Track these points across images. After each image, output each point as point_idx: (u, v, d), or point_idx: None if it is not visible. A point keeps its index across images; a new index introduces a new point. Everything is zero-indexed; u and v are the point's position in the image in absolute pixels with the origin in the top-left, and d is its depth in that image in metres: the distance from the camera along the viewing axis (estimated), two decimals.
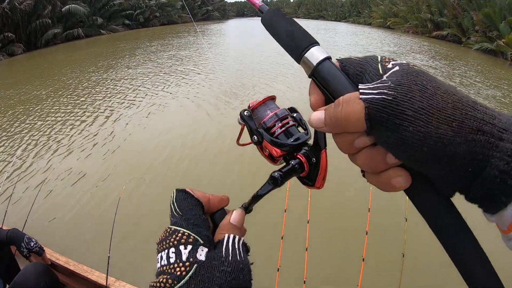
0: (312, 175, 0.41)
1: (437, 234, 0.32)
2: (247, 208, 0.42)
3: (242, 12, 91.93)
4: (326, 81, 0.35)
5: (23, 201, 4.41)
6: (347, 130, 0.32)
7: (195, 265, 0.33)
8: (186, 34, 26.49)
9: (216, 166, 5.44)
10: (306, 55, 0.37)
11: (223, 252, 0.35)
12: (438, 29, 27.06)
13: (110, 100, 9.09)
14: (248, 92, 9.47)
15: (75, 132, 6.93)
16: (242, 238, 0.38)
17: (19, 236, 2.13)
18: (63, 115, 8.06)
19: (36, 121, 7.68)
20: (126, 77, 11.75)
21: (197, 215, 0.38)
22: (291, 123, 0.44)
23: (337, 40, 24.47)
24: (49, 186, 4.83)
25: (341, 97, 0.32)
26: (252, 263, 0.37)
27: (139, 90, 10.02)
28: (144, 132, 6.91)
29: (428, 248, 3.28)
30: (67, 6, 21.93)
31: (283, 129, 0.43)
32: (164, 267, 0.34)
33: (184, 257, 0.34)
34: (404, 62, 0.32)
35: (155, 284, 0.33)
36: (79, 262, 2.63)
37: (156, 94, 9.52)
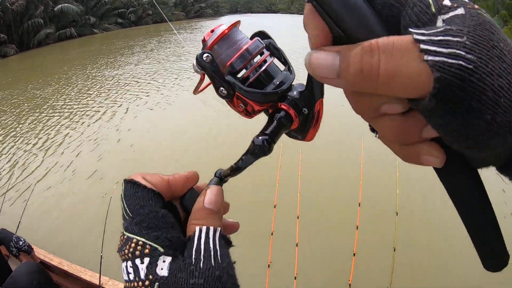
0: (302, 128, 0.33)
1: (463, 216, 0.27)
2: (222, 180, 0.33)
3: (235, 8, 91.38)
4: (337, 11, 0.22)
5: (15, 203, 4.40)
6: (382, 92, 0.22)
7: (156, 283, 0.26)
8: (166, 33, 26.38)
9: (211, 160, 5.43)
10: None
11: (193, 257, 0.27)
12: None
13: (102, 99, 9.03)
14: None
15: (67, 132, 6.89)
16: (219, 229, 0.30)
17: (7, 236, 2.18)
18: (55, 115, 8.02)
19: (27, 121, 7.64)
20: (118, 77, 11.68)
21: (151, 214, 0.29)
22: (268, 60, 0.33)
23: None
24: (41, 187, 4.81)
25: (376, 40, 0.21)
26: (234, 262, 0.29)
27: (131, 88, 9.96)
28: (134, 130, 6.88)
29: (419, 242, 3.32)
30: (60, 6, 21.70)
31: (259, 71, 0.32)
32: (127, 284, 0.28)
33: (142, 274, 0.27)
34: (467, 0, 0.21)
35: None
36: (72, 262, 2.65)
37: (147, 93, 9.48)
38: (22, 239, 2.22)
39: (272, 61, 0.33)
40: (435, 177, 0.27)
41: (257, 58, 0.32)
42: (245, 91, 0.31)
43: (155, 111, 8.03)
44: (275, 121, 0.31)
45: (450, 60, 0.19)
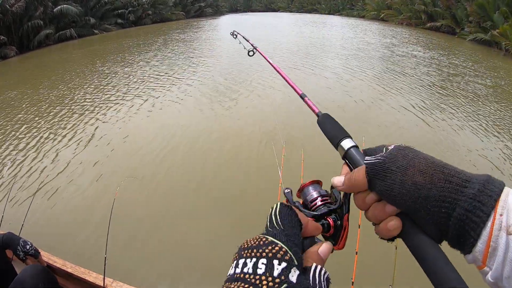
0: (335, 236, 0.51)
1: (423, 266, 0.41)
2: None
3: (235, 7, 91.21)
4: (352, 160, 0.51)
5: (19, 205, 4.40)
6: (357, 188, 0.47)
7: (285, 284, 0.31)
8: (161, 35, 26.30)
9: (214, 166, 5.43)
10: (341, 143, 0.53)
11: (311, 281, 0.33)
12: (432, 21, 27.03)
13: (103, 101, 9.03)
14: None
15: (69, 134, 6.90)
16: (327, 273, 0.37)
17: (14, 239, 2.14)
18: (56, 117, 8.01)
19: (31, 124, 7.62)
20: (120, 77, 11.67)
21: (297, 235, 0.37)
22: (328, 199, 0.54)
23: (343, 32, 24.38)
24: (44, 190, 4.82)
25: (355, 169, 0.48)
26: None
27: (131, 89, 9.96)
28: (138, 133, 6.91)
29: None
30: (59, 7, 21.66)
31: (322, 202, 0.53)
32: (247, 275, 0.32)
33: (275, 273, 0.31)
34: (401, 144, 0.46)
35: None
36: (76, 264, 2.64)
37: (149, 94, 9.47)
38: (29, 242, 2.18)
39: (328, 202, 0.54)
40: None
41: (323, 198, 0.54)
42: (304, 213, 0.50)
43: (161, 113, 8.03)
44: (321, 222, 0.51)
45: (373, 160, 0.45)
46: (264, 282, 0.31)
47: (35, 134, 7.03)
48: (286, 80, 0.86)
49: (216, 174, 5.12)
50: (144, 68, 12.92)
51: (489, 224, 0.36)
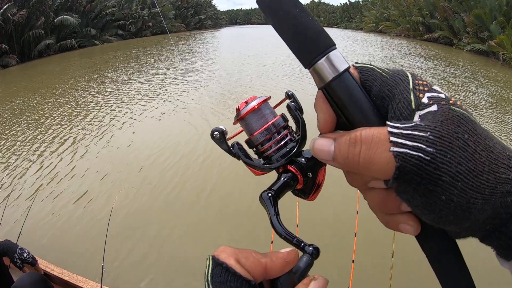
0: (306, 189, 0.36)
1: (440, 278, 0.30)
2: (313, 257, 0.32)
3: (234, 20, 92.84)
4: (342, 101, 0.28)
5: (17, 213, 4.35)
6: (363, 174, 0.28)
7: None
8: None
9: (212, 176, 5.38)
10: (319, 62, 0.28)
11: None
12: (429, 32, 27.48)
13: (100, 112, 9.02)
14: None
15: (66, 144, 6.85)
16: None
17: (12, 247, 2.17)
18: (54, 127, 7.98)
19: (27, 132, 7.58)
20: (118, 87, 11.70)
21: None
22: (287, 137, 0.37)
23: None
24: (42, 198, 4.76)
25: (360, 132, 0.26)
26: None
27: (128, 100, 9.97)
28: (136, 143, 6.87)
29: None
30: (59, 17, 21.94)
31: (277, 146, 0.36)
32: None
33: None
34: (443, 95, 0.27)
35: None
36: (74, 272, 2.66)
37: (145, 106, 9.47)
38: (26, 250, 2.21)
39: (289, 138, 0.36)
40: None
41: (278, 136, 0.36)
42: (244, 162, 0.36)
43: (160, 122, 8.04)
44: (282, 180, 0.34)
45: (412, 152, 0.23)
46: None
47: (33, 142, 6.98)
48: None
49: (216, 185, 5.05)
50: (146, 79, 12.98)
51: None
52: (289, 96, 0.38)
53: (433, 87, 0.27)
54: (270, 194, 0.33)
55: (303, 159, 0.35)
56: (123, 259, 3.54)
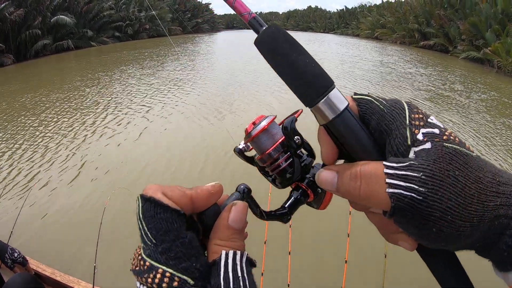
0: (317, 200, 0.39)
1: (437, 278, 0.32)
2: (244, 197, 0.33)
3: (231, 24, 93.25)
4: (343, 137, 0.31)
5: (8, 213, 4.29)
6: (361, 202, 0.31)
7: None
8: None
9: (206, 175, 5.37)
10: (319, 104, 0.30)
11: (222, 283, 0.26)
12: (425, 39, 27.76)
13: (96, 113, 8.96)
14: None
15: (60, 143, 6.79)
16: (246, 254, 0.29)
17: (2, 247, 2.16)
18: (50, 125, 7.92)
19: (21, 132, 7.50)
20: (112, 89, 11.65)
21: (178, 241, 0.26)
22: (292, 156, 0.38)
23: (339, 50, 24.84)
24: (33, 198, 4.70)
25: (360, 168, 0.29)
26: (262, 274, 0.31)
27: (124, 101, 9.92)
28: (129, 144, 6.86)
29: None
30: (55, 17, 21.83)
31: (288, 162, 0.36)
32: None
33: None
34: (437, 130, 0.28)
35: None
36: (65, 273, 2.65)
37: (140, 109, 9.43)
38: (17, 250, 2.20)
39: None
40: None
41: (285, 155, 0.37)
42: (271, 181, 0.40)
43: (153, 123, 8.01)
44: (293, 198, 0.37)
45: (405, 193, 0.26)
46: None
47: (27, 141, 6.90)
48: None
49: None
50: (141, 82, 12.93)
51: None
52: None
53: (428, 120, 0.29)
54: (284, 214, 0.37)
55: (311, 177, 0.37)
56: (116, 259, 3.51)
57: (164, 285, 0.25)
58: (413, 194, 0.26)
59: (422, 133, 0.28)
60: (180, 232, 0.26)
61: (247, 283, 0.26)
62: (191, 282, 0.25)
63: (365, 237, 3.46)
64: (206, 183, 0.31)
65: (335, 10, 60.51)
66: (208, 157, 5.91)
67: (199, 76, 13.61)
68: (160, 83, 12.04)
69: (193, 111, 8.59)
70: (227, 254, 0.27)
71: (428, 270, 0.33)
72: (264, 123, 0.36)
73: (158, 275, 0.25)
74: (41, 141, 6.81)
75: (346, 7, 55.87)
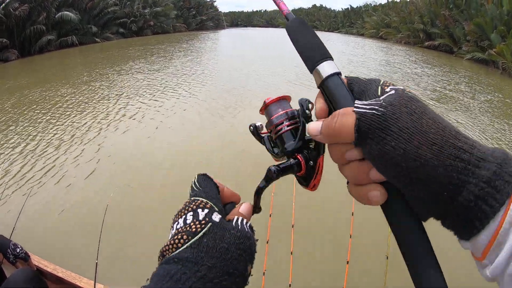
0: (307, 177, 0.44)
1: (403, 251, 0.34)
2: (255, 207, 0.44)
3: (236, 22, 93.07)
4: (331, 94, 0.38)
5: (10, 209, 4.31)
6: (339, 140, 0.35)
7: (210, 223, 0.37)
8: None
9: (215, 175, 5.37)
10: (318, 66, 0.40)
11: (233, 224, 0.38)
12: (430, 39, 27.57)
13: (101, 108, 8.98)
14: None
15: (63, 138, 6.83)
16: (250, 223, 0.40)
17: (4, 242, 2.16)
18: (53, 121, 7.96)
19: (25, 127, 7.54)
20: (117, 85, 11.68)
21: (214, 192, 0.42)
22: (296, 124, 0.45)
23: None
24: (36, 194, 4.74)
25: (338, 110, 0.36)
26: (257, 240, 0.39)
27: (127, 98, 9.95)
28: (133, 141, 6.88)
29: None
30: (60, 13, 21.87)
31: (289, 127, 0.45)
32: (180, 229, 0.37)
33: (200, 217, 0.37)
34: (401, 87, 0.35)
35: (169, 243, 0.36)
36: (67, 269, 2.65)
37: (141, 104, 9.45)
38: (19, 246, 2.20)
39: (297, 126, 0.45)
40: None
41: (291, 121, 0.45)
42: (268, 148, 0.48)
43: (155, 120, 8.02)
44: (288, 163, 0.43)
45: (367, 110, 0.32)
46: (193, 226, 0.36)
47: (30, 137, 6.94)
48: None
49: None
50: (149, 78, 12.95)
51: (500, 215, 0.29)
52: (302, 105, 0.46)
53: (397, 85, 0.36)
54: (276, 169, 0.41)
55: (307, 151, 0.43)
56: (117, 256, 3.53)
57: (201, 205, 0.38)
58: (373, 111, 0.32)
59: (390, 88, 0.35)
60: (216, 189, 0.43)
61: (247, 228, 0.38)
62: (216, 209, 0.39)
63: (367, 238, 3.51)
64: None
65: (340, 9, 60.27)
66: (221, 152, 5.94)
67: (208, 73, 13.62)
68: (172, 77, 12.06)
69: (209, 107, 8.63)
70: (237, 218, 0.39)
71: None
72: (276, 97, 0.47)
73: (198, 202, 0.39)
74: (42, 136, 6.85)
75: (351, 6, 55.54)
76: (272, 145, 0.47)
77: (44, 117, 8.12)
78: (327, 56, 0.40)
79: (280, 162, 0.43)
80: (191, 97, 9.90)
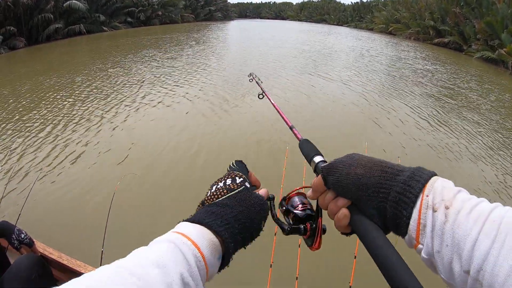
0: (312, 238, 0.58)
1: (369, 250, 0.46)
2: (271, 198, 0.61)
3: (244, 13, 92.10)
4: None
5: (16, 196, 4.36)
6: (318, 190, 0.55)
7: (243, 186, 0.55)
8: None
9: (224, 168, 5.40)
10: (313, 159, 0.64)
11: (257, 193, 0.56)
12: (439, 36, 27.16)
13: (110, 97, 9.02)
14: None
15: (71, 127, 6.86)
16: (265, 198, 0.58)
17: (9, 228, 2.11)
18: (61, 109, 7.98)
19: (33, 114, 7.59)
20: (124, 74, 11.69)
21: (245, 173, 0.61)
22: (306, 206, 0.62)
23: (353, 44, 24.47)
24: (43, 181, 4.78)
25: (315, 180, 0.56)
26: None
27: (135, 87, 9.97)
28: (140, 129, 6.89)
29: (416, 271, 3.29)
30: (68, 2, 21.85)
31: (302, 207, 0.61)
32: (220, 188, 0.54)
33: (238, 181, 0.56)
34: (353, 153, 0.54)
35: (211, 194, 0.54)
36: (72, 257, 2.59)
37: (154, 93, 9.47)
38: (24, 232, 2.16)
39: (308, 208, 0.61)
40: None
41: (304, 205, 0.62)
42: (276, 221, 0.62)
43: (159, 109, 8.03)
44: (298, 227, 0.58)
45: (326, 164, 0.54)
46: (232, 186, 0.54)
47: (37, 125, 6.99)
48: (284, 119, 0.99)
49: (217, 173, 5.06)
50: (159, 69, 12.95)
51: (418, 203, 0.42)
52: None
53: None
54: (288, 228, 0.58)
55: (312, 221, 0.59)
56: (123, 244, 3.49)
57: (238, 176, 0.57)
58: (329, 163, 0.53)
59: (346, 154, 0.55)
60: (245, 171, 0.62)
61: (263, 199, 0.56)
62: (248, 181, 0.58)
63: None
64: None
65: (350, 3, 59.34)
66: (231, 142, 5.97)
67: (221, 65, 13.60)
68: (186, 67, 12.05)
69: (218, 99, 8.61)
70: (259, 192, 0.57)
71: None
72: (297, 192, 0.65)
73: (237, 173, 0.59)
74: (49, 125, 6.91)
75: (361, 0, 54.73)
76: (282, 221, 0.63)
77: (66, 102, 8.18)
78: (317, 153, 0.65)
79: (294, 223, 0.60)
80: (208, 88, 9.89)
